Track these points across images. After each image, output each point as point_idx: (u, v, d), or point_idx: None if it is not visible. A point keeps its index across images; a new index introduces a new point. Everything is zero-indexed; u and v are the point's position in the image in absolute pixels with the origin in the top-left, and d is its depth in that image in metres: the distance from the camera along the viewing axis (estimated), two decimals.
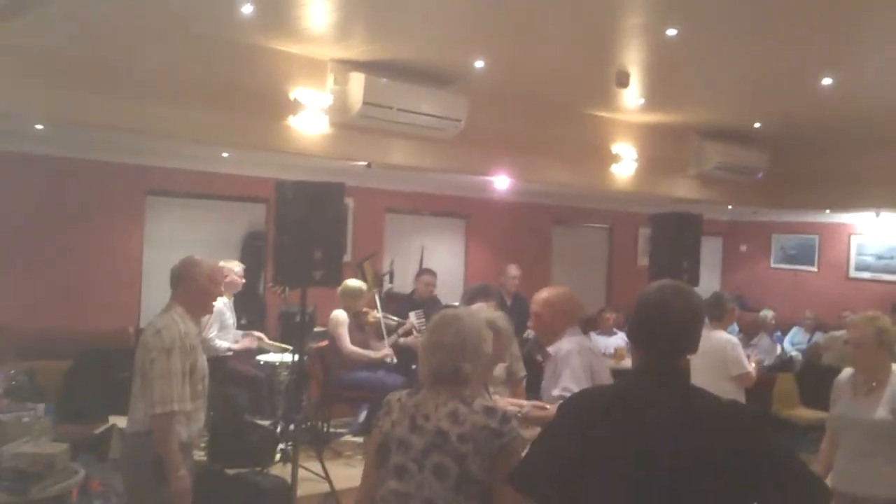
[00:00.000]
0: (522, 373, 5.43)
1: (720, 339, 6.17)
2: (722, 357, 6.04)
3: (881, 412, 4.05)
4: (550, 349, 4.39)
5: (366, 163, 7.85)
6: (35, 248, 7.83)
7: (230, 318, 7.57)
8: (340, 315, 7.61)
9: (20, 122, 6.76)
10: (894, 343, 4.21)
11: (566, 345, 4.29)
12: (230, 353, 7.43)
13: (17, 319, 7.49)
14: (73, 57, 5.90)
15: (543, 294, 4.56)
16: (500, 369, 5.15)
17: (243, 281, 7.84)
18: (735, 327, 10.79)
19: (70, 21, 5.71)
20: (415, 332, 8.01)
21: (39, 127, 6.81)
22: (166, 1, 5.59)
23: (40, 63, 5.77)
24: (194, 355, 4.11)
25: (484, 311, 4.24)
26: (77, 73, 5.92)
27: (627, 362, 8.17)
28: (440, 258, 10.52)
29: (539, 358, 7.54)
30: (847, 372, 4.38)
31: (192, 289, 4.22)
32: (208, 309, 4.65)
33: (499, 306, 5.44)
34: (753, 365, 6.46)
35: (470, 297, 5.44)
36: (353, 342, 7.56)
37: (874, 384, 4.16)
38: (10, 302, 7.56)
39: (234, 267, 7.69)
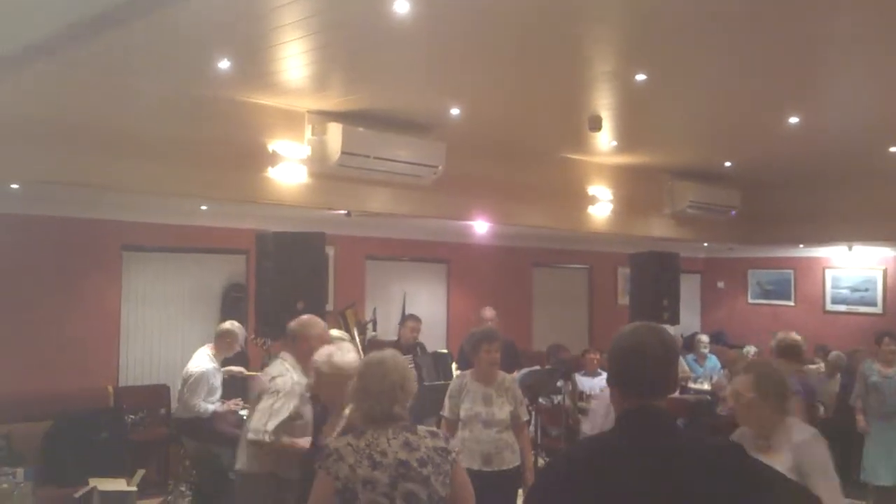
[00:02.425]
0: (525, 417, 5.46)
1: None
2: None
3: None
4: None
5: (345, 211, 7.89)
6: (9, 309, 7.73)
7: (218, 379, 7.42)
8: None
9: None
10: (783, 394, 3.40)
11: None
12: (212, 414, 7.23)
13: None
14: (49, 116, 5.90)
15: None
16: (505, 413, 5.22)
17: (240, 348, 7.64)
18: (717, 362, 10.87)
19: (44, 81, 5.74)
20: None
21: (14, 186, 6.79)
22: (142, 57, 5.64)
23: (15, 123, 5.76)
24: (299, 402, 4.48)
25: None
26: (53, 131, 5.91)
27: None
28: (422, 303, 10.53)
29: (541, 401, 7.58)
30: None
31: (304, 348, 4.54)
32: None
33: (501, 349, 5.48)
34: None
35: (474, 343, 5.48)
36: None
37: (768, 443, 3.35)
38: None
39: (237, 332, 7.38)
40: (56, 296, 8.03)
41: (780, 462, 3.17)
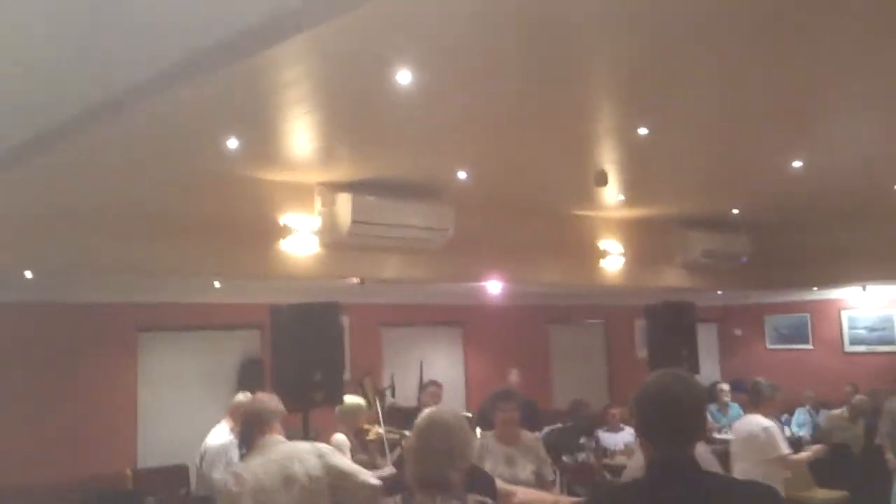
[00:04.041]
0: (551, 476, 5.37)
1: (754, 423, 6.26)
2: (757, 442, 6.14)
3: None
4: None
5: (358, 280, 7.92)
6: (27, 397, 7.70)
7: (236, 453, 7.34)
8: (340, 441, 7.35)
9: (8, 272, 6.71)
10: None
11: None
12: None
13: (10, 472, 7.24)
14: (60, 203, 5.98)
15: None
16: (528, 473, 5.13)
17: None
18: (740, 411, 10.70)
19: (54, 169, 5.81)
20: None
21: (28, 275, 6.84)
22: (151, 139, 5.73)
23: (25, 210, 5.85)
24: None
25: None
26: (65, 218, 5.99)
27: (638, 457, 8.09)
28: (439, 368, 10.48)
29: (565, 459, 7.48)
30: None
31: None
32: None
33: (519, 409, 5.43)
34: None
35: (492, 401, 5.44)
36: (356, 464, 7.35)
37: None
38: (2, 455, 7.35)
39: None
40: (73, 382, 8.02)
41: None
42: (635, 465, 4.40)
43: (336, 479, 3.76)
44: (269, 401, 4.21)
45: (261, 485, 3.67)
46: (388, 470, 7.48)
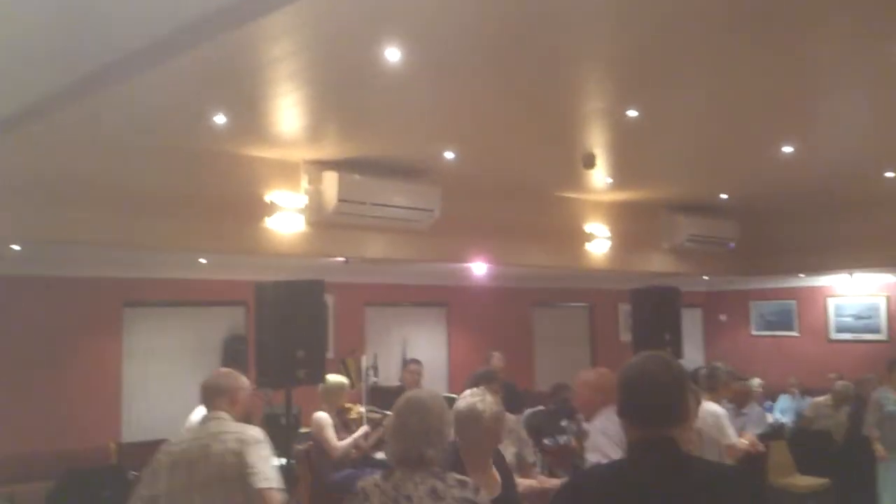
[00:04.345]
0: (531, 458, 5.39)
1: (704, 410, 6.20)
2: (706, 428, 6.07)
3: None
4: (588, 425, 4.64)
5: (343, 258, 7.89)
6: (12, 369, 7.67)
7: None
8: (323, 418, 7.36)
9: None
10: None
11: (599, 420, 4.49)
12: None
13: None
14: (48, 176, 5.94)
15: (583, 376, 4.81)
16: (509, 455, 5.14)
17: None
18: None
19: (42, 141, 5.77)
20: None
21: (15, 247, 6.78)
22: (138, 114, 5.67)
23: (10, 183, 5.80)
24: None
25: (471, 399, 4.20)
26: (48, 190, 5.95)
27: None
28: (423, 347, 10.48)
29: (546, 442, 7.50)
30: None
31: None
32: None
33: (500, 391, 5.44)
34: (745, 440, 6.41)
35: (473, 383, 5.44)
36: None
37: None
38: None
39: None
40: (58, 355, 7.98)
41: None
42: (592, 447, 4.56)
43: (242, 469, 3.66)
44: (219, 378, 4.10)
45: (178, 460, 3.77)
46: (363, 430, 7.45)
